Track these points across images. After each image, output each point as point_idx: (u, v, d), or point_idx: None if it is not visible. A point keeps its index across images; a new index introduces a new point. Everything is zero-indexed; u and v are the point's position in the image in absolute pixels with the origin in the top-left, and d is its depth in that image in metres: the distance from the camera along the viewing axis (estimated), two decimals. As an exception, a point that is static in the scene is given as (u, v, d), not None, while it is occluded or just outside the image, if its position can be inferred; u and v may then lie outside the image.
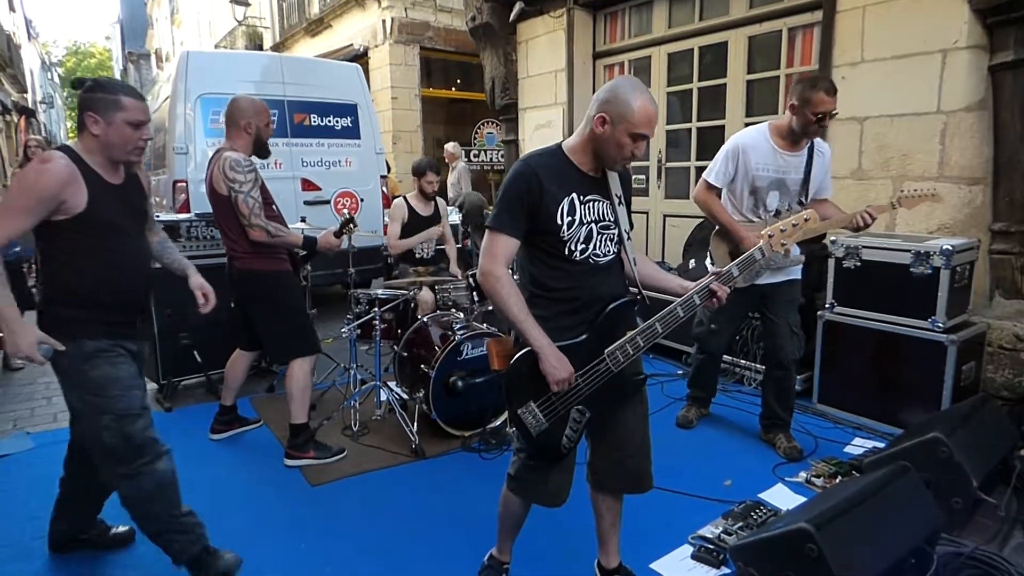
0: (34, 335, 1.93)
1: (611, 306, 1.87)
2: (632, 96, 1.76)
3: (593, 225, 1.87)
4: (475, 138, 9.28)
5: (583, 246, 1.86)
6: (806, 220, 1.94)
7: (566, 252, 1.85)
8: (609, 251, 1.92)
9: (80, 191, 1.98)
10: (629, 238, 1.97)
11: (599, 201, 1.89)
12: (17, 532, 2.64)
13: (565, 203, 1.82)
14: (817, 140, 3.06)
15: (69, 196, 1.96)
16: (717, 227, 3.16)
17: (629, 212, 2.00)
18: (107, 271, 2.07)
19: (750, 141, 3.03)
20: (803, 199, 3.04)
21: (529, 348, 1.82)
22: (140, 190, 2.26)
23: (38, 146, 6.67)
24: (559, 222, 1.81)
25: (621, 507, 2.15)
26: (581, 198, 1.85)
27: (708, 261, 3.35)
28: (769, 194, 3.05)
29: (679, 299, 1.88)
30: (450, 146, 8.58)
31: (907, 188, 3.01)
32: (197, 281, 2.45)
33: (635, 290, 2.01)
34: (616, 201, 1.93)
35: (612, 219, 1.92)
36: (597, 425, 1.98)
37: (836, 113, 2.91)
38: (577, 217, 1.83)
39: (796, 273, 3.22)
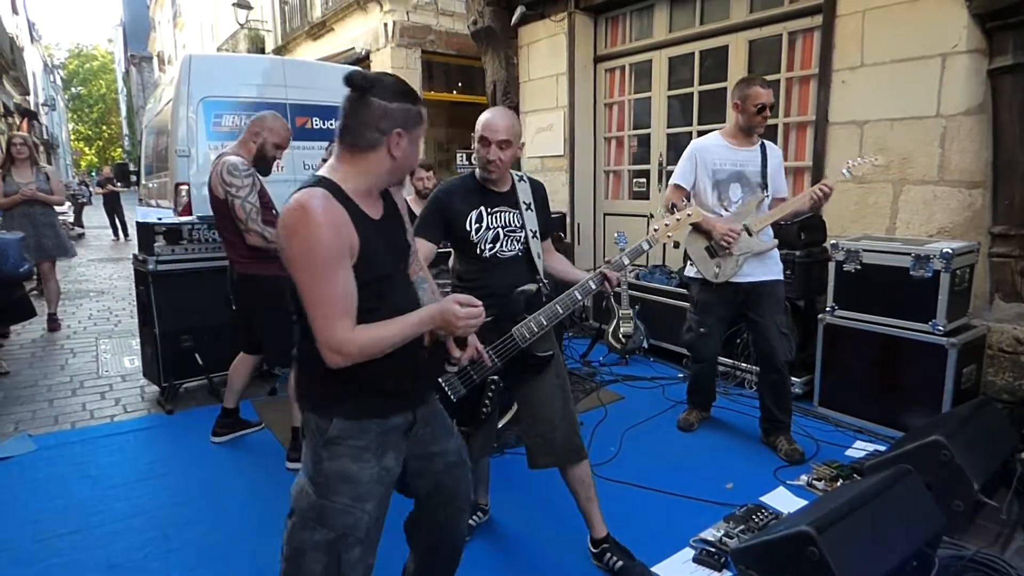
0: None
1: (516, 291, 2.16)
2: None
3: (500, 230, 2.27)
4: (476, 141, 9.29)
5: (490, 246, 2.25)
6: (688, 215, 2.33)
7: (477, 252, 2.25)
8: (514, 249, 2.29)
9: (354, 236, 1.46)
10: (535, 237, 2.32)
11: (506, 211, 2.29)
12: (18, 536, 2.64)
13: (473, 214, 2.23)
14: (767, 142, 3.28)
15: (351, 242, 1.45)
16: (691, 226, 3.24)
17: (547, 217, 2.40)
18: None
19: (704, 142, 3.32)
20: (764, 189, 3.20)
21: None
22: (399, 217, 1.73)
23: (23, 143, 5.76)
24: (468, 229, 2.23)
25: (589, 480, 2.31)
26: (489, 209, 2.25)
27: (688, 263, 3.37)
28: (731, 186, 3.22)
29: (576, 284, 2.20)
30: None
31: (851, 160, 3.19)
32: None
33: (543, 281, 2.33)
34: (524, 208, 2.31)
35: (518, 224, 2.30)
36: (521, 403, 2.31)
37: (773, 105, 3.17)
38: (485, 224, 2.25)
39: (778, 273, 3.26)
